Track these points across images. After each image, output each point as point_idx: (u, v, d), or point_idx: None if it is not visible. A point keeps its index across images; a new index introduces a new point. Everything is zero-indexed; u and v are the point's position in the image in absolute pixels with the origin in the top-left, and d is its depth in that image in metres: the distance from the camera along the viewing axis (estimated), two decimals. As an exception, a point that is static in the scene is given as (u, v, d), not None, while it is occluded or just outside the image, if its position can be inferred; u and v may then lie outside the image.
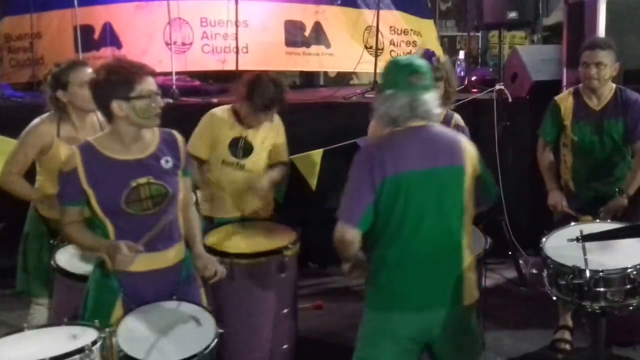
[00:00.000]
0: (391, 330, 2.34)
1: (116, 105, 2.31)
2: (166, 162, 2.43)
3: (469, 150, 2.39)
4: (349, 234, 2.28)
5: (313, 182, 4.74)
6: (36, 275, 3.10)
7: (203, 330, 2.28)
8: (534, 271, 4.68)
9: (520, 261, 4.76)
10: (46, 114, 3.12)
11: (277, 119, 3.53)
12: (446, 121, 3.45)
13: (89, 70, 3.04)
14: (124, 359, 2.16)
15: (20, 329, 2.36)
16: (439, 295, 2.33)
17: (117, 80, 2.31)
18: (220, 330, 2.30)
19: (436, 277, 2.33)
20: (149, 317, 2.34)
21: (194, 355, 2.16)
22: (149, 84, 2.34)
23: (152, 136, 2.47)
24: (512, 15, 5.25)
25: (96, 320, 2.26)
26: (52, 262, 2.89)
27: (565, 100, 3.67)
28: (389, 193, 2.26)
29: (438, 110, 2.39)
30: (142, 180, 2.37)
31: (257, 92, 3.26)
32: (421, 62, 2.42)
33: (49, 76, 3.07)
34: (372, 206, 2.27)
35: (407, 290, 2.32)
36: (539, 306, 4.19)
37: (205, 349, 2.19)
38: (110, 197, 2.35)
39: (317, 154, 4.69)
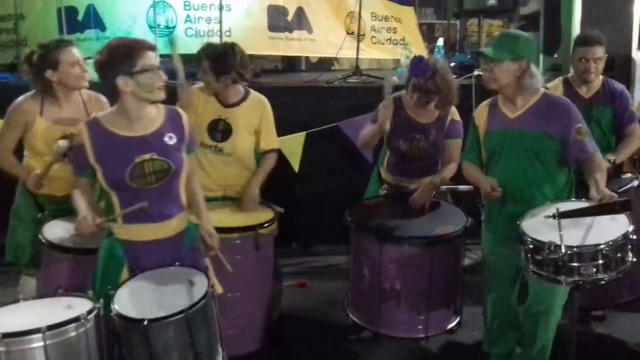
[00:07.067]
0: None
1: (122, 82, 2.39)
2: (170, 139, 2.51)
3: None
4: None
5: (296, 164, 4.82)
6: (25, 247, 3.15)
7: (195, 290, 2.35)
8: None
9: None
10: (30, 92, 3.16)
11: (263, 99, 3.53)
12: (443, 120, 3.54)
13: (76, 49, 3.14)
14: (117, 317, 2.26)
15: (15, 300, 2.42)
16: None
17: (119, 57, 2.38)
18: (211, 290, 2.36)
19: None
20: (146, 281, 2.44)
21: (181, 312, 2.22)
22: (150, 58, 2.41)
23: (157, 113, 2.54)
24: (492, 2, 5.38)
25: (108, 287, 2.40)
26: (39, 235, 2.93)
27: (555, 89, 3.76)
28: None
29: None
30: (146, 156, 2.45)
31: (215, 59, 3.34)
32: None
33: (36, 57, 3.10)
34: None
35: None
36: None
37: (191, 307, 2.25)
38: (115, 172, 2.43)
39: (300, 137, 4.78)
